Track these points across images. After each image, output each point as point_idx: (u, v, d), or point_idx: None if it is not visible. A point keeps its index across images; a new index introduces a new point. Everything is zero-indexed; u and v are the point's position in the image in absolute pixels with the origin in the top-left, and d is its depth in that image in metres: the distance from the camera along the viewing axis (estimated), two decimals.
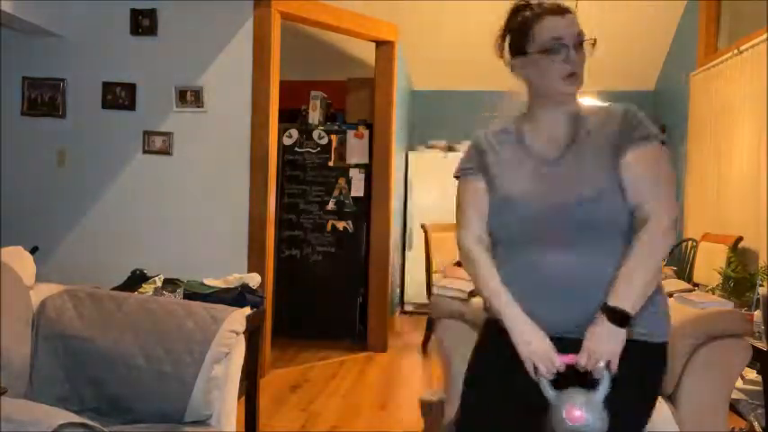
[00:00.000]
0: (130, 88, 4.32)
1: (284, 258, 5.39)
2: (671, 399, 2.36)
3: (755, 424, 2.67)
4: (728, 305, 2.60)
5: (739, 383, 2.70)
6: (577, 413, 1.40)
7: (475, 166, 1.70)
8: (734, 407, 2.70)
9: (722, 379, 2.34)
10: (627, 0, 5.51)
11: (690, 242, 5.04)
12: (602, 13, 5.60)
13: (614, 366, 1.47)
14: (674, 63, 6.15)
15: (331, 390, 4.12)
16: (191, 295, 2.71)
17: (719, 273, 3.70)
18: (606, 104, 1.67)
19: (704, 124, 5.12)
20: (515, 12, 1.64)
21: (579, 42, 1.57)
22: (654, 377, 1.60)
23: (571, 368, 1.49)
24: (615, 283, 1.49)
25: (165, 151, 4.31)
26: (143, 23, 4.29)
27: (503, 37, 1.67)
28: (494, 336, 1.62)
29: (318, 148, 5.42)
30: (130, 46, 4.32)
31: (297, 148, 5.45)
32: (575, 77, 1.58)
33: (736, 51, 4.55)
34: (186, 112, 4.29)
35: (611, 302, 1.48)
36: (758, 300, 2.73)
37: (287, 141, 5.44)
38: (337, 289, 5.38)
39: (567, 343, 1.52)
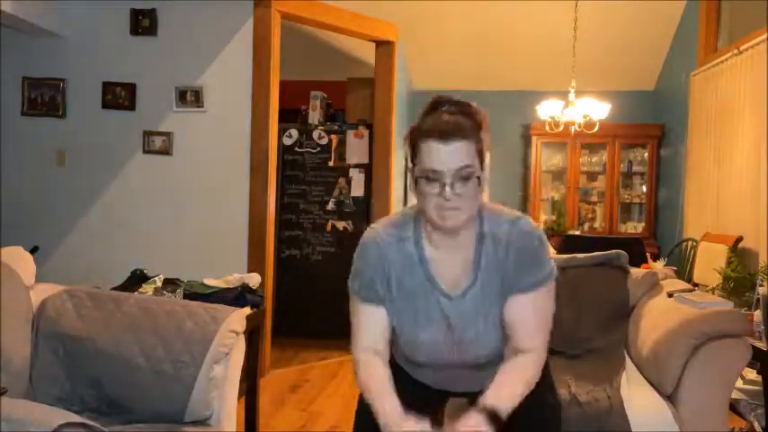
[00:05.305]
0: (130, 88, 4.32)
1: (284, 258, 5.39)
2: (671, 399, 2.36)
3: (755, 424, 2.66)
4: (728, 305, 2.60)
5: (739, 383, 2.69)
6: None
7: (373, 294, 1.56)
8: (734, 407, 2.69)
9: (722, 379, 2.34)
10: (627, 0, 5.51)
11: (690, 242, 5.04)
12: (602, 13, 5.61)
13: None
14: (674, 63, 6.14)
15: (331, 390, 4.12)
16: (191, 295, 2.71)
17: (719, 273, 3.70)
18: (508, 219, 1.55)
19: (704, 124, 5.11)
20: (426, 112, 1.49)
21: (462, 176, 1.41)
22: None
23: None
24: (499, 386, 1.47)
25: (165, 151, 4.31)
26: (143, 23, 4.29)
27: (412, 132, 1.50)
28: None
29: (318, 148, 5.42)
30: (130, 46, 4.32)
31: (297, 148, 5.44)
32: (450, 212, 1.42)
33: (736, 51, 4.55)
34: (186, 112, 4.29)
35: (491, 401, 1.44)
36: (758, 300, 2.73)
37: (287, 141, 5.43)
38: (337, 289, 5.31)
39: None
